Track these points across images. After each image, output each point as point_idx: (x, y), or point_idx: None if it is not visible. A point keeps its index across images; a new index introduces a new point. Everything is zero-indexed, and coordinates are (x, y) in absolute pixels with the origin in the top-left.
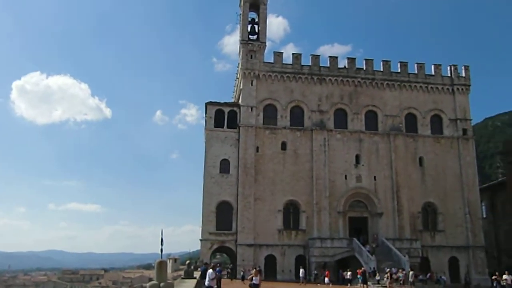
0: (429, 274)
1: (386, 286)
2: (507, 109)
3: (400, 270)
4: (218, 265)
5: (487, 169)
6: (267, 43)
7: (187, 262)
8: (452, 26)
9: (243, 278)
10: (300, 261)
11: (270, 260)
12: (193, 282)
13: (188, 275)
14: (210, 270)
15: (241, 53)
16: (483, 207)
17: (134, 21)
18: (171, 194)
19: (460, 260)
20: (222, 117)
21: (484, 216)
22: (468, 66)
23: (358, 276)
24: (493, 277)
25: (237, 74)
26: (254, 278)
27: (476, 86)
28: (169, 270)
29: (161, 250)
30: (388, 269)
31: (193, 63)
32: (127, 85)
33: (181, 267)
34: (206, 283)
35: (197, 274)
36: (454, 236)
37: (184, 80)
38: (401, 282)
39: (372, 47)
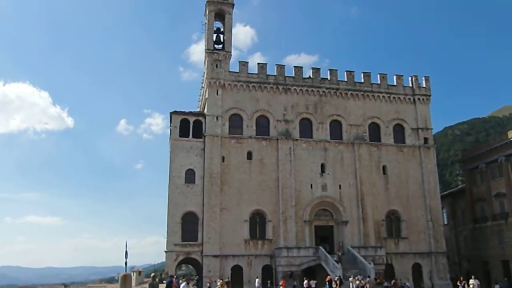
0: (393, 281)
1: None
2: (466, 119)
3: (365, 278)
4: (175, 277)
5: (448, 177)
6: (234, 52)
7: (152, 274)
8: (413, 38)
9: None
10: (267, 271)
11: (237, 271)
12: None
13: None
14: (184, 284)
15: (206, 62)
16: (444, 214)
17: (98, 27)
18: (135, 205)
19: (423, 266)
20: (188, 126)
21: (445, 222)
22: (428, 77)
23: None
24: (458, 282)
25: (202, 83)
26: None
27: (436, 96)
28: (133, 283)
29: (126, 263)
30: (353, 277)
31: (159, 72)
32: (90, 94)
33: (146, 280)
34: None
35: (162, 286)
36: (417, 242)
37: (150, 88)
38: None
39: (338, 58)
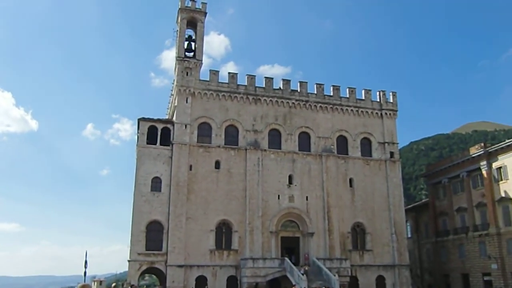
0: None
1: None
2: (431, 134)
3: None
4: (132, 285)
5: (412, 191)
6: (207, 60)
7: (113, 284)
8: (384, 53)
9: None
10: (232, 282)
11: (201, 281)
12: None
13: None
14: None
15: (176, 69)
16: (408, 227)
17: (67, 28)
18: (99, 212)
19: (387, 278)
20: (155, 133)
21: (409, 235)
22: (395, 92)
23: None
24: None
25: (172, 90)
26: None
27: (403, 112)
28: None
29: (85, 273)
30: None
31: (130, 77)
32: (56, 96)
33: None
34: None
35: None
36: (381, 255)
37: (119, 93)
38: None
39: (311, 70)
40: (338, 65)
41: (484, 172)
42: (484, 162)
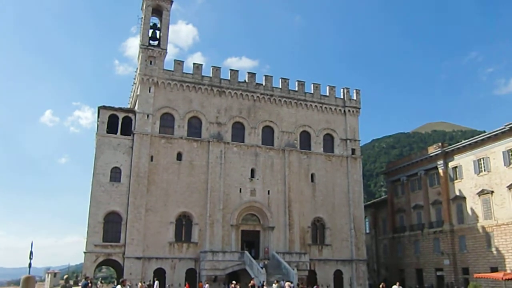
0: (315, 287)
1: None
2: (392, 133)
3: (288, 283)
4: (87, 277)
5: (372, 188)
6: (174, 50)
7: (65, 276)
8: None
9: None
10: (191, 274)
11: (160, 274)
12: None
13: None
14: (118, 286)
15: (140, 58)
16: (367, 223)
17: (27, 10)
18: (55, 202)
19: (344, 273)
20: (116, 122)
21: (367, 231)
22: (359, 90)
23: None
24: (381, 287)
25: (135, 79)
26: None
27: (366, 109)
28: (47, 286)
29: (30, 265)
30: (276, 282)
31: (93, 63)
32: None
33: (62, 282)
34: None
35: None
36: (339, 250)
37: (81, 80)
38: None
39: (278, 64)
40: (305, 61)
41: (440, 171)
42: (441, 162)
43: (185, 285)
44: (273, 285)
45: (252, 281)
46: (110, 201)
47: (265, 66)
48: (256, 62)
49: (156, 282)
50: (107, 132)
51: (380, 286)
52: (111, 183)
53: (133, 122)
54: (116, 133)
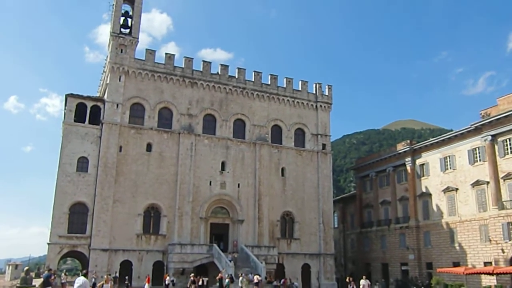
0: (282, 280)
1: None
2: (363, 129)
3: (256, 276)
4: (50, 269)
5: (342, 183)
6: (147, 39)
7: (26, 268)
8: (323, 46)
9: (94, 285)
10: (159, 267)
11: (126, 266)
12: None
13: (26, 283)
14: (82, 278)
15: (110, 46)
16: (335, 218)
17: None
18: (19, 192)
19: (312, 266)
20: (84, 111)
21: (336, 226)
22: (331, 85)
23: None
24: (348, 281)
25: (104, 67)
26: (104, 285)
27: (338, 105)
28: (7, 278)
29: None
30: (244, 275)
31: (62, 49)
32: None
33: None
34: None
35: (38, 281)
36: (308, 244)
37: (49, 66)
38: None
39: (253, 57)
40: (279, 55)
41: (408, 168)
42: (409, 159)
43: (146, 278)
44: (240, 278)
45: (220, 274)
46: (76, 191)
47: (240, 59)
48: (231, 55)
49: (105, 276)
50: (75, 121)
51: (347, 279)
52: (77, 173)
53: (102, 111)
54: (84, 122)
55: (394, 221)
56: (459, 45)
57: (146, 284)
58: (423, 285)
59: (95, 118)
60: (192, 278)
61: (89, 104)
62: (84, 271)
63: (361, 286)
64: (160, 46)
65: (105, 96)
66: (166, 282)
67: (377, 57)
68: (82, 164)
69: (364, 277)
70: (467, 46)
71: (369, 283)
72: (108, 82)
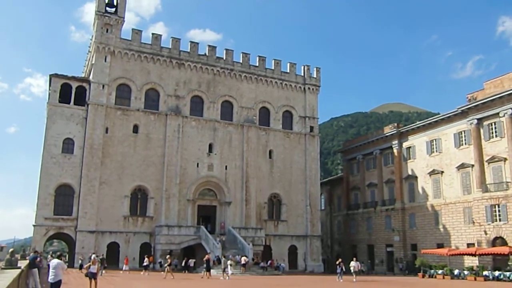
0: (269, 261)
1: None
2: (350, 112)
3: (243, 258)
4: (36, 251)
5: (330, 165)
6: (135, 19)
7: (11, 250)
8: (314, 28)
9: (81, 267)
10: (146, 248)
11: (113, 248)
12: (15, 272)
13: (11, 265)
14: (55, 260)
15: (96, 25)
16: (322, 200)
17: None
18: (3, 173)
19: (299, 248)
20: (69, 92)
21: (323, 208)
22: (319, 68)
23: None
24: (337, 262)
25: (90, 47)
26: (91, 266)
27: (326, 88)
28: None
29: None
30: (232, 256)
31: (47, 29)
32: None
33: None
34: (50, 277)
35: (23, 263)
36: (295, 226)
37: (34, 45)
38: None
39: (242, 39)
40: (268, 37)
41: (395, 150)
42: (396, 142)
43: (124, 259)
44: (229, 261)
45: (207, 256)
46: (62, 173)
47: (229, 40)
48: (220, 36)
49: (93, 255)
50: (60, 102)
51: (337, 262)
52: (63, 155)
53: (87, 92)
54: (69, 103)
55: (380, 203)
56: (449, 29)
57: (125, 265)
58: (401, 263)
59: (81, 99)
60: (168, 259)
61: (74, 85)
62: (59, 253)
63: (351, 268)
64: (148, 26)
65: (91, 77)
66: (144, 264)
67: (367, 40)
68: (68, 145)
69: (354, 258)
70: (457, 30)
71: (359, 264)
72: (93, 62)
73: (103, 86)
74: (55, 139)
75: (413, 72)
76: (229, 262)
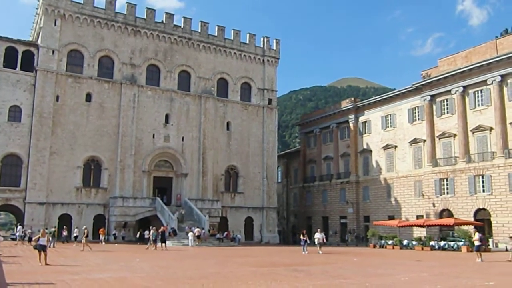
0: (225, 233)
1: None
2: (309, 85)
3: (197, 229)
4: None
5: (287, 138)
6: None
7: None
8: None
9: (30, 240)
10: (99, 220)
11: (65, 220)
12: None
13: None
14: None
15: None
16: (279, 172)
17: None
18: None
19: (255, 219)
20: (15, 56)
21: (279, 180)
22: (279, 40)
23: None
24: (302, 236)
25: (38, 9)
26: (40, 238)
27: (285, 61)
28: None
29: None
30: (188, 228)
31: None
32: None
33: None
34: None
35: None
36: (251, 198)
37: None
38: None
39: (205, 8)
40: (232, 6)
41: (351, 125)
42: (352, 116)
43: (100, 230)
44: (190, 234)
45: (162, 227)
46: (8, 142)
47: (192, 8)
48: (183, 4)
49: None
50: (4, 67)
51: (301, 234)
52: (9, 123)
53: (35, 57)
54: (15, 68)
55: (336, 176)
56: (412, 5)
57: (101, 236)
58: (354, 234)
59: (28, 64)
60: (85, 230)
61: (21, 49)
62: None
63: (315, 239)
64: None
65: (39, 41)
66: (101, 238)
67: (329, 13)
68: (15, 113)
69: (319, 230)
70: (419, 6)
71: (324, 236)
72: (41, 25)
73: (53, 51)
74: (0, 106)
75: (375, 48)
76: (190, 233)
